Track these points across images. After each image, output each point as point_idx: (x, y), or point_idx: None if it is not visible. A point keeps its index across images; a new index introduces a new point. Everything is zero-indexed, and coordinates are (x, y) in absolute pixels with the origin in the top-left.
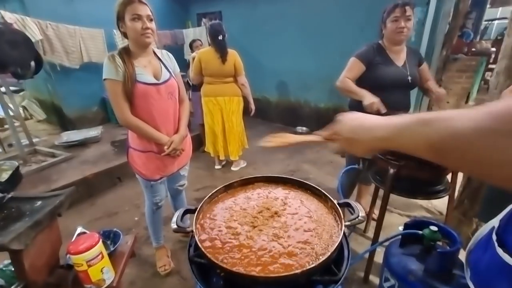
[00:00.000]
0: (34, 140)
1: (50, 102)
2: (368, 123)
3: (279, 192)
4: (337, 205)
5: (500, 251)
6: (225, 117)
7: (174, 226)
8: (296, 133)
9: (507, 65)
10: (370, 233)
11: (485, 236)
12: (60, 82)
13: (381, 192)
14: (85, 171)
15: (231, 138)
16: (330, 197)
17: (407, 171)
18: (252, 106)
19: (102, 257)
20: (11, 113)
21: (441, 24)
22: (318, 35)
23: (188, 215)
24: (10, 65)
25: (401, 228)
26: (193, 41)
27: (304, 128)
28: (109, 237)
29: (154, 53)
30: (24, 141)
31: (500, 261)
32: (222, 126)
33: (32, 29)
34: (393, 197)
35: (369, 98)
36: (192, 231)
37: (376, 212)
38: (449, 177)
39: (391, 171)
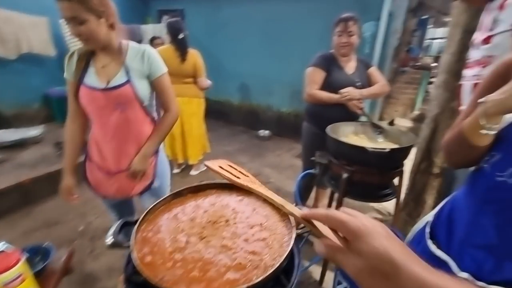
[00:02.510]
0: None
1: None
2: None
3: (232, 199)
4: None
5: (429, 242)
6: (184, 119)
7: (108, 241)
8: (258, 136)
9: (445, 79)
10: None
11: (420, 230)
12: None
13: (336, 195)
14: (21, 175)
15: (190, 141)
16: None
17: (359, 176)
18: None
19: (24, 279)
20: None
21: (391, 39)
22: (280, 41)
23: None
24: None
25: None
26: (153, 38)
27: (266, 132)
28: (38, 253)
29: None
30: None
31: (429, 252)
32: (181, 128)
33: None
34: (348, 199)
35: (335, 95)
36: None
37: None
38: (396, 181)
39: (344, 176)
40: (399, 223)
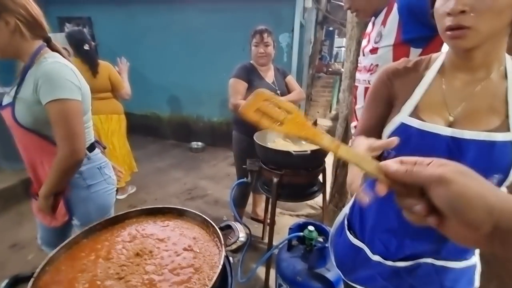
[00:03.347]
0: None
1: None
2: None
3: (156, 226)
4: (218, 230)
5: (347, 233)
6: (103, 139)
7: None
8: (191, 149)
9: (349, 84)
10: (267, 238)
11: (341, 222)
12: None
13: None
14: None
15: (114, 162)
16: (211, 222)
17: (287, 179)
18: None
19: None
20: None
21: (305, 48)
22: (204, 50)
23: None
24: None
25: None
26: None
27: (200, 143)
28: None
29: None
30: None
31: (348, 242)
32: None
33: None
34: (283, 202)
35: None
36: None
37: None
38: (321, 178)
39: (275, 180)
40: (328, 215)
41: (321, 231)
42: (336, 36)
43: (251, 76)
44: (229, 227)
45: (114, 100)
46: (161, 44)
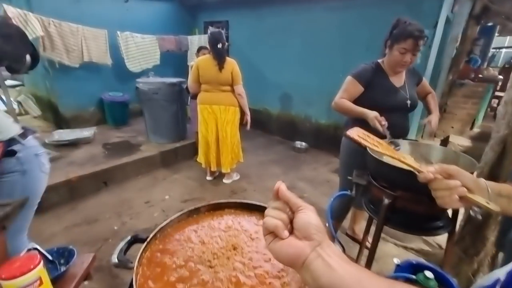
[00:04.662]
0: None
1: (47, 99)
2: None
3: (251, 223)
4: None
5: None
6: (220, 126)
7: (114, 259)
8: (294, 148)
9: None
10: (362, 263)
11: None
12: (58, 79)
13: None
14: (70, 173)
15: (224, 149)
16: None
17: (403, 203)
18: (248, 118)
19: (41, 283)
20: (4, 107)
21: (448, 48)
22: (322, 50)
23: None
24: (3, 58)
25: (396, 261)
26: (200, 48)
27: (303, 143)
28: (63, 255)
29: None
30: None
31: None
32: (215, 135)
33: (34, 24)
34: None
35: (371, 113)
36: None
37: (370, 240)
38: (450, 212)
39: (385, 201)
40: (451, 259)
41: (443, 282)
42: (496, 34)
43: (375, 78)
44: None
45: (233, 94)
46: (283, 43)
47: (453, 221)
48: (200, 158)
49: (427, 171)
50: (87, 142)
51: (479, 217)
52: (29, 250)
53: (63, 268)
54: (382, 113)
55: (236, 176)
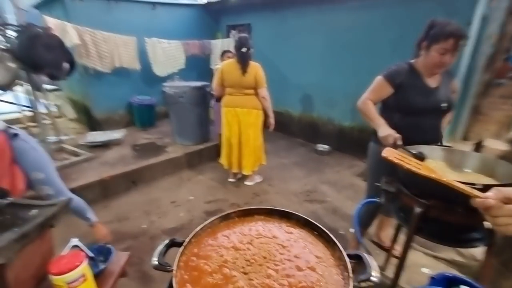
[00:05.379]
0: (64, 137)
1: (82, 102)
2: None
3: (281, 230)
4: (346, 258)
5: None
6: (242, 129)
7: (154, 262)
8: (317, 151)
9: None
10: (389, 271)
11: None
12: (92, 84)
13: (405, 230)
14: (103, 172)
15: (246, 152)
16: (339, 246)
17: (436, 213)
18: (272, 121)
19: (86, 279)
20: (44, 110)
21: (484, 46)
22: (346, 51)
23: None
24: (45, 66)
25: (426, 270)
26: (224, 52)
27: (326, 146)
28: (101, 253)
29: None
30: (54, 138)
31: None
32: (238, 138)
33: (71, 34)
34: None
35: (384, 129)
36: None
37: (397, 248)
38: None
39: (417, 210)
40: (489, 273)
41: None
42: None
43: (408, 80)
44: (358, 257)
45: (256, 97)
46: (306, 45)
47: (492, 233)
48: (223, 159)
49: (485, 196)
50: (117, 144)
51: None
52: (73, 247)
53: (102, 265)
54: (415, 116)
55: (259, 179)
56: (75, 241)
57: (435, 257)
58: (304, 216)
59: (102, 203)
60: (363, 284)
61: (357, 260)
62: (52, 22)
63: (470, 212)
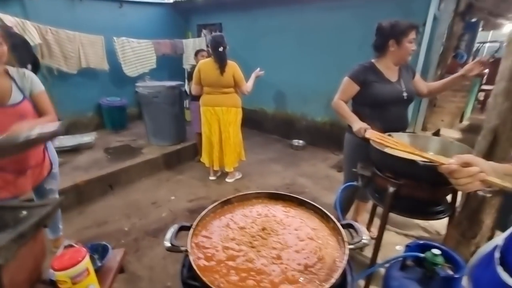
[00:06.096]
0: None
1: None
2: None
3: (278, 210)
4: (340, 226)
5: (500, 269)
6: (222, 127)
7: (167, 244)
8: (292, 146)
9: (505, 87)
10: (367, 252)
11: (488, 254)
12: (56, 86)
13: (379, 209)
14: (77, 177)
15: (227, 149)
16: (332, 217)
17: (406, 190)
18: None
19: (89, 273)
20: None
21: (436, 45)
22: (316, 49)
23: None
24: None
25: (399, 247)
26: (198, 51)
27: (301, 141)
28: (97, 251)
29: (10, 74)
30: None
31: (500, 280)
32: (219, 136)
33: (32, 33)
34: (390, 215)
35: (357, 124)
36: (187, 251)
37: (373, 230)
38: (449, 197)
39: (391, 189)
40: (450, 242)
41: (449, 259)
42: (479, 29)
43: (370, 77)
44: (349, 225)
45: (235, 95)
46: (276, 44)
47: (452, 205)
48: (204, 158)
49: (448, 163)
50: (88, 148)
51: (489, 195)
52: (65, 247)
53: (99, 262)
54: (380, 108)
55: (238, 175)
56: (68, 241)
57: (406, 235)
58: (298, 196)
59: (77, 209)
60: (356, 246)
61: (349, 228)
62: (10, 20)
63: (435, 188)
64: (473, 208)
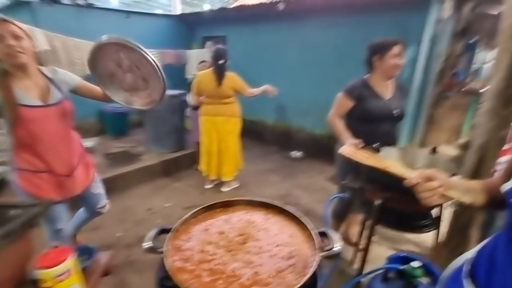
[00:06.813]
0: None
1: None
2: None
3: (260, 216)
4: (313, 234)
5: (466, 281)
6: (222, 137)
7: (147, 245)
8: (290, 157)
9: (492, 106)
10: (358, 263)
11: (458, 267)
12: None
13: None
14: None
15: (226, 159)
16: (308, 225)
17: (392, 203)
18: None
19: (72, 273)
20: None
21: (434, 64)
22: (316, 64)
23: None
24: None
25: None
26: (201, 62)
27: (299, 153)
28: (85, 252)
29: (44, 73)
30: None
31: None
32: (218, 146)
33: (40, 39)
34: (383, 229)
35: (348, 140)
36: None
37: (363, 243)
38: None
39: (377, 202)
40: (440, 259)
41: (428, 271)
42: (478, 49)
43: (364, 93)
44: (324, 234)
45: (235, 104)
46: (278, 58)
47: (437, 220)
48: (202, 167)
49: (410, 178)
50: (89, 152)
51: (458, 207)
52: (51, 247)
53: (84, 263)
54: (371, 123)
55: (235, 184)
56: (53, 243)
57: (397, 250)
58: (279, 205)
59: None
60: (328, 253)
61: (324, 236)
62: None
63: (418, 201)
64: (463, 223)
